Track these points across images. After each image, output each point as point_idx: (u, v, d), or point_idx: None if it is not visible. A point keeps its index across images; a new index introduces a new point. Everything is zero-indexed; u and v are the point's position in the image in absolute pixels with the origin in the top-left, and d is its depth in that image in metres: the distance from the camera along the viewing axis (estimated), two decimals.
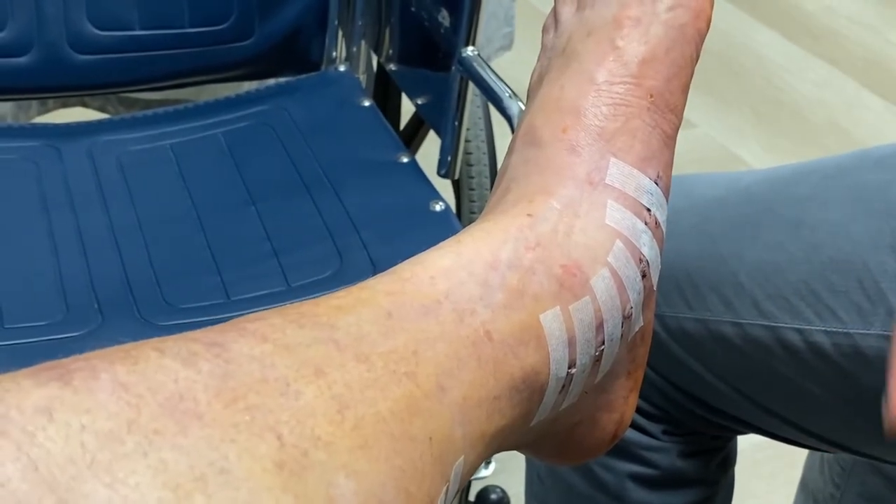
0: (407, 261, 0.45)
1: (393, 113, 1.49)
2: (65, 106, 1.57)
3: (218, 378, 0.35)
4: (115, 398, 0.33)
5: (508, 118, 1.14)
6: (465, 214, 1.41)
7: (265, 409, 0.35)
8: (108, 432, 0.32)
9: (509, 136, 1.11)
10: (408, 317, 0.42)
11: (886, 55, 2.87)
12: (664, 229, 0.51)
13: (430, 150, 1.39)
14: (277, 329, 0.38)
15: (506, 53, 1.71)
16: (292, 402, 0.36)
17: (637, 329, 0.51)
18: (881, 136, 2.51)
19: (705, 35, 0.52)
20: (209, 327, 0.38)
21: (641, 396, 0.86)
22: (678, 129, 0.52)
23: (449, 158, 1.28)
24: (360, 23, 1.40)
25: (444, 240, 1.15)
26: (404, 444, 0.38)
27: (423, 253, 0.46)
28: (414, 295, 0.43)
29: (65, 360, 0.34)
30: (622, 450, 0.95)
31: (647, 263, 0.50)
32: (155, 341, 0.37)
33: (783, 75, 2.75)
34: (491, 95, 1.17)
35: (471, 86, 1.22)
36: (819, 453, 1.17)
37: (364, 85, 1.43)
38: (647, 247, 0.50)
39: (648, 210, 0.50)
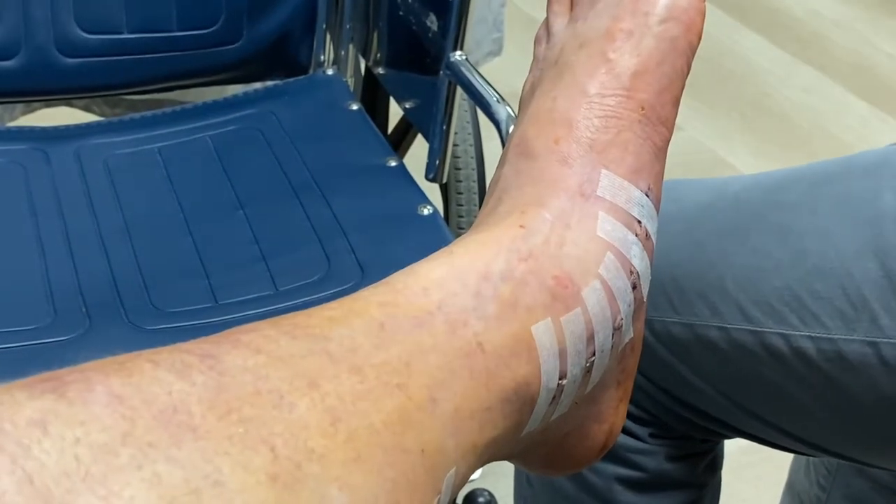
0: (400, 271, 0.45)
1: (381, 116, 1.49)
2: (49, 105, 1.56)
3: (212, 390, 0.35)
4: (109, 410, 0.33)
5: (496, 122, 1.14)
6: (452, 218, 1.41)
7: (259, 421, 0.35)
8: (103, 445, 0.32)
9: (497, 140, 1.12)
10: (401, 328, 0.42)
11: (873, 60, 2.88)
12: (654, 241, 0.51)
13: (418, 154, 1.39)
14: (271, 340, 0.38)
15: (495, 58, 1.71)
16: (286, 414, 0.36)
17: (627, 340, 0.51)
18: (867, 141, 2.52)
19: (696, 48, 0.53)
20: (203, 338, 0.38)
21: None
22: (669, 142, 0.52)
23: (437, 162, 1.28)
24: (348, 26, 1.40)
25: (431, 243, 1.15)
26: (396, 456, 0.38)
27: (415, 263, 0.46)
28: (407, 306, 0.43)
29: (60, 372, 0.34)
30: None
31: (638, 275, 0.50)
32: (149, 353, 0.37)
33: (770, 80, 2.76)
34: (478, 100, 1.17)
35: (459, 90, 1.22)
36: (805, 456, 1.17)
37: (352, 88, 1.43)
38: (638, 258, 0.50)
39: (639, 222, 0.50)
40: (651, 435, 0.95)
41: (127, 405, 0.33)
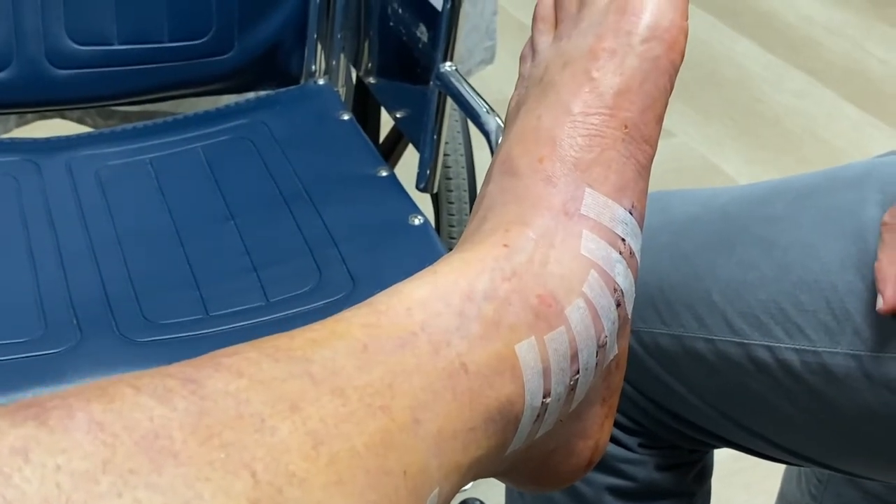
0: (383, 292, 0.45)
1: (372, 126, 1.50)
2: (43, 118, 1.56)
3: (193, 415, 0.35)
4: (90, 437, 0.33)
5: (486, 133, 1.14)
6: (443, 228, 1.42)
7: (240, 445, 0.35)
8: (84, 472, 0.32)
9: (487, 150, 1.12)
10: (383, 349, 0.42)
11: (864, 65, 2.88)
12: (638, 259, 0.52)
13: (408, 164, 1.39)
14: (253, 363, 0.39)
15: (488, 67, 1.72)
16: (267, 438, 0.36)
17: (612, 357, 0.51)
18: (859, 146, 2.52)
19: (679, 66, 0.53)
20: (185, 362, 0.38)
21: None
22: (652, 160, 0.52)
23: (428, 172, 1.28)
24: (339, 36, 1.41)
25: (422, 253, 1.15)
26: (379, 478, 0.38)
27: (399, 283, 0.46)
28: (390, 327, 0.43)
29: (41, 398, 0.34)
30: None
31: (622, 293, 0.50)
32: (131, 377, 0.37)
33: (762, 85, 2.76)
34: (468, 111, 1.17)
35: (449, 100, 1.22)
36: (794, 466, 1.18)
37: (343, 98, 1.43)
38: (622, 276, 0.50)
39: (623, 240, 0.50)
40: (640, 445, 0.96)
41: (108, 432, 0.33)
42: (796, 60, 2.88)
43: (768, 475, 1.41)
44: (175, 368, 0.37)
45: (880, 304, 0.75)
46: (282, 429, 0.36)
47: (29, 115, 1.56)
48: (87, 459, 0.32)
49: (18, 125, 1.57)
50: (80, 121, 1.58)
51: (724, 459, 1.17)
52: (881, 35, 3.03)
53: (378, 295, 0.45)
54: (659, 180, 0.56)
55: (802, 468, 1.16)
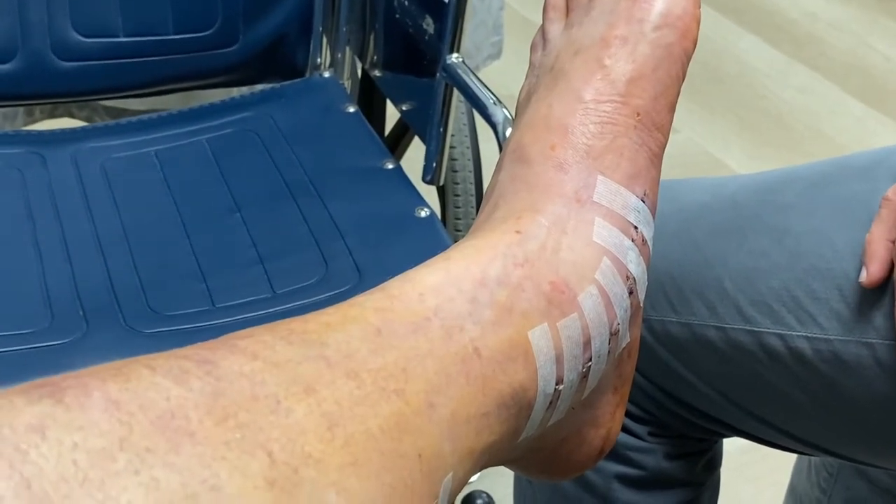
0: (396, 277, 0.45)
1: (378, 119, 1.50)
2: (51, 116, 1.56)
3: (209, 396, 0.35)
4: (107, 416, 0.33)
5: (493, 125, 1.14)
6: (449, 220, 1.42)
7: (256, 426, 0.35)
8: (101, 450, 0.32)
9: (494, 142, 1.12)
10: (397, 334, 0.42)
11: (868, 61, 2.88)
12: (651, 246, 0.52)
13: (414, 156, 1.39)
14: (267, 346, 0.39)
15: (494, 62, 1.71)
16: (283, 419, 0.36)
17: (624, 345, 0.51)
18: (863, 142, 2.52)
19: (691, 54, 0.53)
20: (200, 344, 0.38)
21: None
22: (664, 148, 0.52)
23: (434, 165, 1.28)
24: (344, 29, 1.40)
25: (429, 245, 1.15)
26: (394, 460, 0.38)
27: (411, 270, 0.46)
28: (403, 312, 0.43)
29: (57, 378, 0.35)
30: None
31: (634, 280, 0.50)
32: (146, 358, 0.37)
33: (766, 81, 2.76)
34: (475, 102, 1.17)
35: (455, 92, 1.22)
36: (806, 458, 1.18)
37: (349, 91, 1.43)
38: (634, 264, 0.50)
39: (635, 227, 0.50)
40: (650, 433, 0.96)
41: (124, 410, 0.33)
42: (800, 56, 2.87)
43: (777, 468, 1.41)
44: (190, 350, 0.37)
45: (863, 276, 0.77)
46: (297, 410, 0.36)
47: (37, 113, 1.55)
48: (103, 437, 0.32)
49: (26, 123, 1.57)
50: (88, 119, 1.58)
51: (733, 452, 1.17)
52: (885, 30, 3.03)
53: (391, 280, 0.45)
54: (663, 176, 0.56)
55: (812, 460, 1.16)
